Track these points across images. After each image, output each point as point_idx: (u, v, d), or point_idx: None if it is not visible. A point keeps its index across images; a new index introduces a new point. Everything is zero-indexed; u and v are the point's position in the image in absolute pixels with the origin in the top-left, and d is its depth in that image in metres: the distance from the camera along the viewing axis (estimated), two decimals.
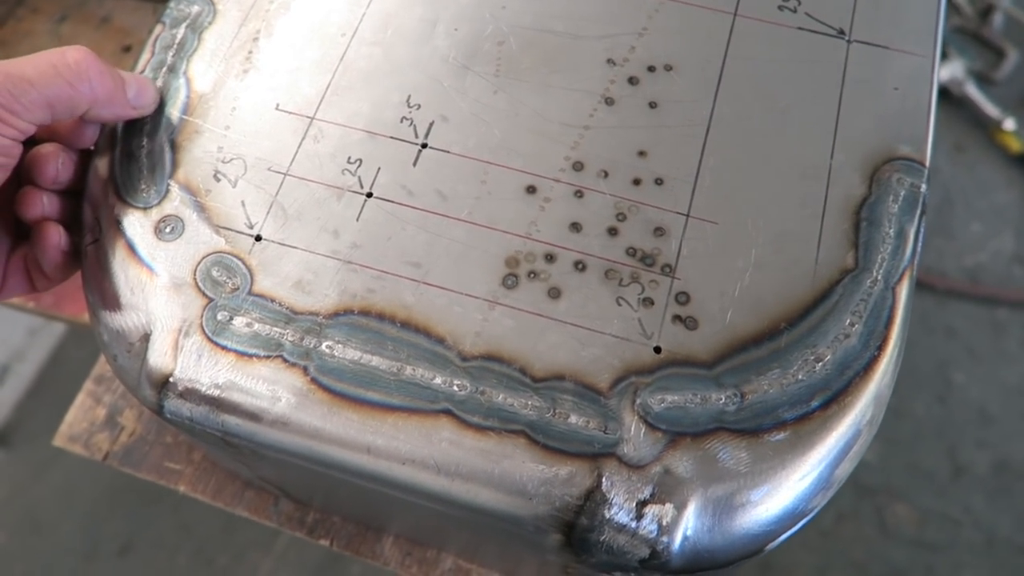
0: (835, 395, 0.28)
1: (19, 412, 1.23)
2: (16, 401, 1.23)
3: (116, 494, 1.20)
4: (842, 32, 0.35)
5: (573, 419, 0.28)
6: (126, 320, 0.31)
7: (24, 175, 0.31)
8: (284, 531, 0.46)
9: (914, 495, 1.25)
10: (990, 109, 1.48)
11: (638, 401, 0.28)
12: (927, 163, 0.32)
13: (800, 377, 0.28)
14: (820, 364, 0.28)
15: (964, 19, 1.60)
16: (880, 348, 0.29)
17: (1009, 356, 1.34)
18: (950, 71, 1.52)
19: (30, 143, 0.30)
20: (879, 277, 0.30)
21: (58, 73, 0.28)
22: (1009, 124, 1.47)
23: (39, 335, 1.27)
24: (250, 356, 0.29)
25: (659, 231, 0.31)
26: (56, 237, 0.31)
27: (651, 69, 0.34)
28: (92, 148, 0.33)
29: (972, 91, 1.51)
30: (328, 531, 0.43)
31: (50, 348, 1.27)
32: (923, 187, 0.31)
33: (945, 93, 1.53)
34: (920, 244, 0.31)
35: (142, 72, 0.35)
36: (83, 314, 0.47)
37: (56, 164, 0.31)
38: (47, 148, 0.31)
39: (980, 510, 1.23)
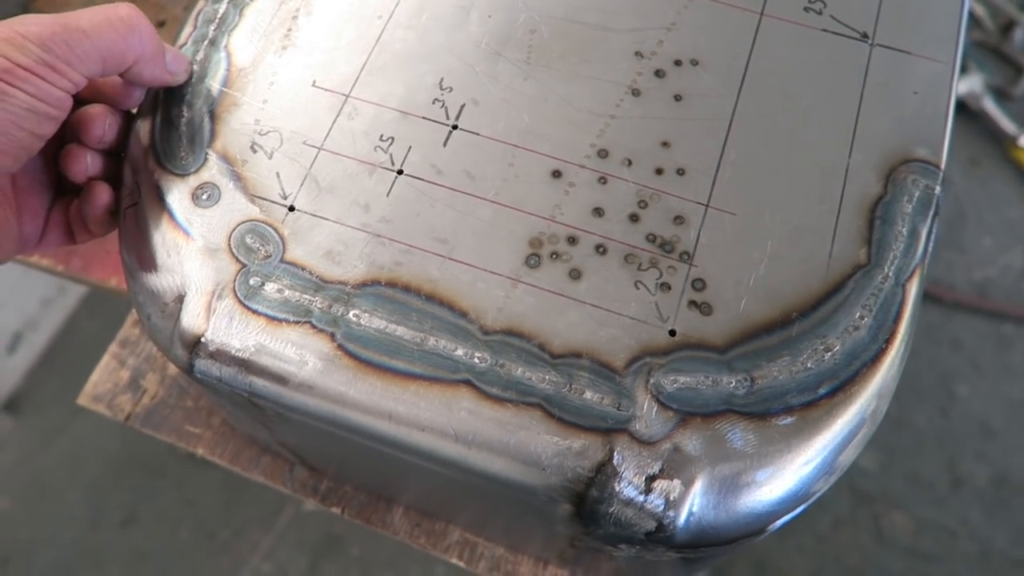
0: (842, 384, 0.29)
1: (30, 380, 1.25)
2: (28, 369, 1.25)
3: (122, 465, 1.22)
4: (865, 35, 0.36)
5: (588, 395, 0.29)
6: (161, 281, 0.32)
7: (70, 133, 0.32)
8: (289, 502, 0.46)
9: (912, 504, 1.25)
10: (1006, 125, 1.49)
11: (652, 381, 0.29)
12: (942, 166, 0.33)
13: (809, 365, 0.29)
14: (829, 354, 0.29)
15: (985, 33, 1.60)
16: (888, 341, 0.30)
17: (1014, 371, 1.34)
18: (968, 85, 1.52)
19: (77, 104, 0.31)
20: (890, 274, 0.31)
21: (111, 25, 0.30)
22: None
23: (52, 305, 1.28)
24: (280, 321, 0.30)
25: (679, 219, 0.32)
26: (106, 196, 0.32)
27: (678, 63, 0.35)
28: (134, 111, 0.34)
29: (989, 106, 1.51)
30: (340, 499, 0.44)
31: (63, 318, 1.29)
32: (937, 189, 0.32)
33: (962, 107, 1.53)
34: (932, 244, 0.32)
35: (183, 45, 0.36)
36: (109, 279, 0.49)
37: (103, 124, 0.32)
38: (95, 108, 0.32)
39: (977, 522, 1.24)
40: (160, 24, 0.58)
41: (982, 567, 1.21)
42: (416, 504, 0.43)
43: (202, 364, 0.31)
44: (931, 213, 0.32)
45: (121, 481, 1.22)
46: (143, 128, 0.34)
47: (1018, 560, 1.21)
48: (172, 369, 0.48)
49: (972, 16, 1.61)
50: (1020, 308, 1.38)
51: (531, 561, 0.43)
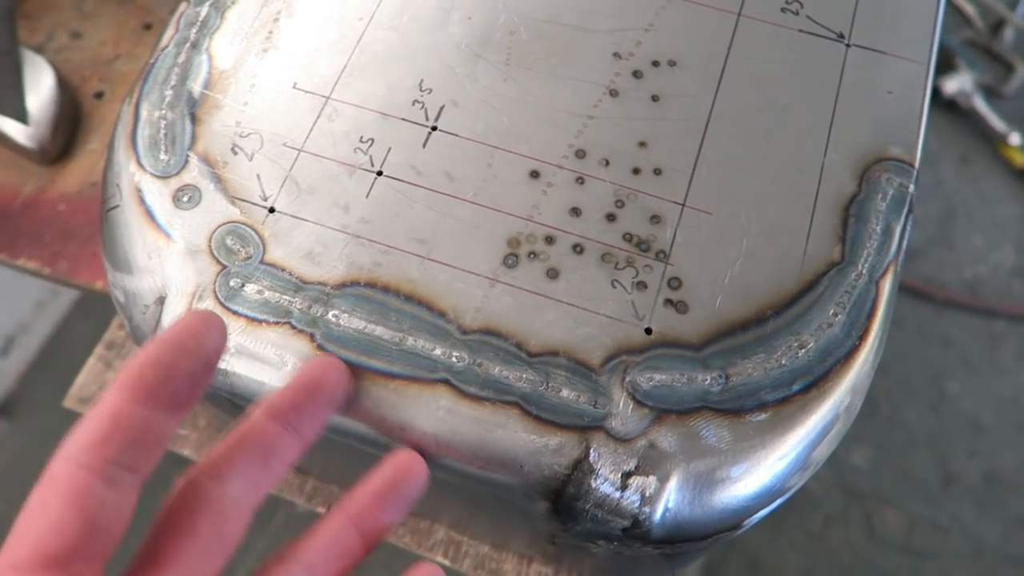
0: (816, 380, 0.29)
1: (23, 383, 1.25)
2: (20, 372, 1.25)
3: None
4: (842, 36, 0.36)
5: (565, 393, 0.29)
6: (142, 283, 0.32)
7: None
8: (281, 504, 0.47)
9: (904, 502, 1.26)
10: (997, 123, 1.49)
11: (627, 378, 0.29)
12: (916, 165, 0.33)
13: (783, 362, 0.30)
14: (803, 351, 0.30)
15: (975, 32, 1.61)
16: (861, 338, 0.30)
17: (1004, 368, 1.35)
18: (959, 83, 1.53)
19: None
20: (864, 271, 0.31)
21: None
22: (1015, 139, 1.48)
23: (45, 308, 1.28)
24: (260, 321, 0.31)
25: (655, 219, 0.32)
26: None
27: (655, 64, 0.35)
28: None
29: (980, 104, 1.52)
30: (326, 499, 0.44)
31: (55, 321, 1.28)
32: (911, 187, 0.33)
33: (953, 105, 1.54)
34: (906, 242, 0.32)
35: (165, 48, 0.36)
36: (96, 281, 0.49)
37: None
38: None
39: (969, 519, 1.25)
40: (147, 27, 0.58)
41: (974, 563, 1.22)
42: None
43: None
44: (905, 211, 0.32)
45: None
46: (123, 131, 0.34)
47: (1010, 556, 1.22)
48: None
49: (962, 15, 1.62)
50: (1011, 306, 1.39)
51: (515, 559, 0.43)
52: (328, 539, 0.26)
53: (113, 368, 0.47)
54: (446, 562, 0.42)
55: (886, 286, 0.31)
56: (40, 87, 0.52)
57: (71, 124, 0.54)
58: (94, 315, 1.29)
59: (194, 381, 0.24)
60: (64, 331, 1.29)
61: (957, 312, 1.40)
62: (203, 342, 0.24)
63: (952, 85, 1.52)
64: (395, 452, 0.28)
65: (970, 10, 1.61)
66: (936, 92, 1.53)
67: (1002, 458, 1.29)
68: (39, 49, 0.57)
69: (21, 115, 0.51)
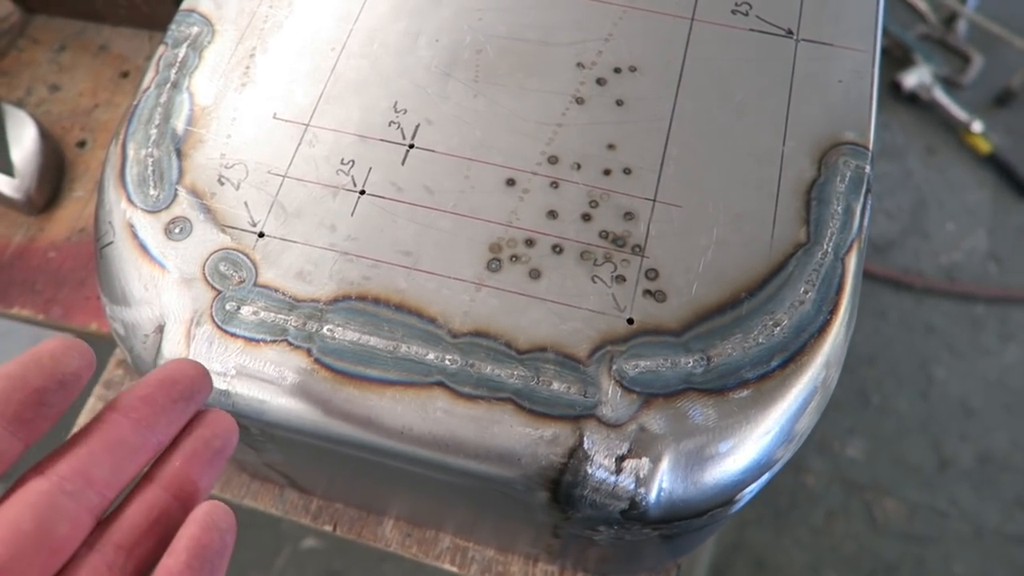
0: (792, 355, 0.31)
1: None
2: None
3: None
4: (790, 32, 0.38)
5: (555, 385, 0.30)
6: (141, 314, 0.33)
7: None
8: (287, 541, 0.47)
9: (901, 490, 1.27)
10: (958, 112, 1.53)
11: (614, 367, 0.31)
12: (871, 147, 0.35)
13: (760, 340, 0.31)
14: (778, 328, 0.31)
15: (930, 27, 1.65)
16: (832, 312, 0.32)
17: (987, 351, 1.38)
18: (918, 77, 1.57)
19: None
20: (829, 249, 0.33)
21: None
22: (977, 126, 1.52)
23: None
24: (257, 341, 0.32)
25: (628, 215, 0.34)
26: None
27: (617, 71, 0.37)
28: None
29: (940, 96, 1.56)
30: (332, 517, 0.45)
31: None
32: (867, 168, 0.35)
33: (914, 98, 1.58)
34: (867, 219, 0.34)
35: (147, 90, 0.38)
36: (91, 323, 0.50)
37: None
38: None
39: (967, 502, 1.26)
40: (124, 75, 0.60)
41: (976, 545, 1.23)
42: (405, 514, 0.45)
43: None
44: (863, 190, 0.34)
45: None
46: (112, 170, 0.35)
47: (1011, 535, 1.23)
48: None
49: (915, 11, 1.67)
50: (988, 288, 1.42)
51: (521, 560, 0.44)
52: (142, 512, 0.23)
53: None
54: (454, 569, 0.43)
55: (851, 262, 0.33)
56: (23, 140, 0.53)
57: (56, 174, 0.55)
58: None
59: (41, 398, 0.22)
60: None
61: (937, 299, 1.42)
62: (61, 360, 0.23)
63: (912, 79, 1.56)
64: (202, 412, 0.26)
65: (923, 6, 1.66)
66: (897, 87, 1.58)
67: (994, 439, 1.31)
68: (19, 104, 0.58)
69: (6, 168, 0.52)
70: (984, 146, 1.51)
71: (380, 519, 0.46)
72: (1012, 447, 1.30)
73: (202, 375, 0.26)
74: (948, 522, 1.25)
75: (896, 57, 1.62)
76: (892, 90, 1.59)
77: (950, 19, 1.65)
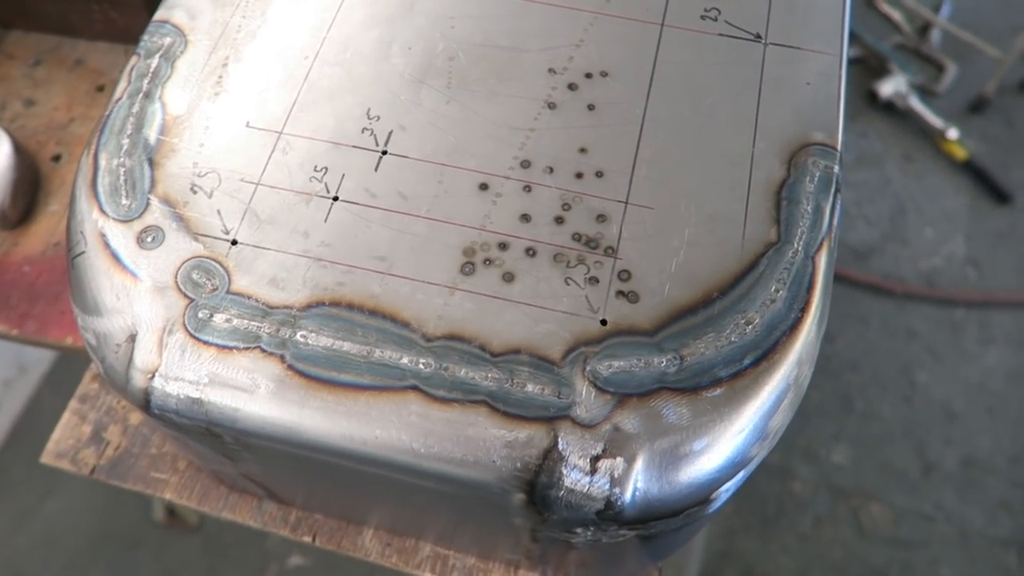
0: (765, 353, 0.31)
1: None
2: None
3: (97, 542, 1.20)
4: (759, 36, 0.39)
5: (530, 387, 0.30)
6: (113, 323, 0.33)
7: None
8: (273, 559, 0.47)
9: (887, 495, 1.28)
10: (934, 120, 1.55)
11: (588, 368, 0.31)
12: (839, 147, 0.36)
13: (733, 339, 0.31)
14: (750, 327, 0.31)
15: (904, 37, 1.68)
16: (803, 311, 0.32)
17: (968, 355, 1.39)
18: (894, 86, 1.59)
19: None
20: (800, 248, 0.33)
21: None
22: (953, 133, 1.54)
23: (13, 386, 1.27)
24: (230, 348, 0.32)
25: (601, 218, 0.34)
26: None
27: (588, 76, 0.38)
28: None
29: (916, 104, 1.58)
30: (311, 528, 0.45)
31: (26, 398, 1.27)
32: (836, 168, 0.35)
33: (891, 107, 1.60)
34: (836, 218, 0.34)
35: (119, 100, 0.38)
36: (66, 338, 0.49)
37: None
38: None
39: (952, 505, 1.27)
40: (100, 89, 0.60)
41: (962, 549, 1.23)
42: (385, 523, 0.44)
43: (158, 399, 0.32)
44: (833, 190, 0.35)
45: (98, 558, 1.20)
46: (84, 179, 0.35)
47: (996, 538, 1.24)
48: (134, 419, 0.48)
49: (890, 21, 1.69)
50: (967, 293, 1.43)
51: (502, 567, 0.44)
52: None
53: (88, 420, 0.47)
54: None
55: (822, 260, 0.33)
56: None
57: (31, 188, 0.55)
58: (65, 389, 1.28)
59: None
60: (34, 408, 1.27)
61: (918, 304, 1.43)
62: None
63: (888, 88, 1.58)
64: None
65: (897, 16, 1.69)
66: (873, 96, 1.60)
67: (977, 442, 1.32)
68: None
69: None
70: (960, 153, 1.53)
71: (360, 529, 0.45)
72: (995, 450, 1.31)
73: None
74: (934, 526, 1.25)
75: (872, 66, 1.64)
76: (869, 99, 1.61)
77: (924, 29, 1.67)
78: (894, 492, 1.28)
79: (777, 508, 1.27)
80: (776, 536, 1.25)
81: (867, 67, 1.65)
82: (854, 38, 1.66)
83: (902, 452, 1.31)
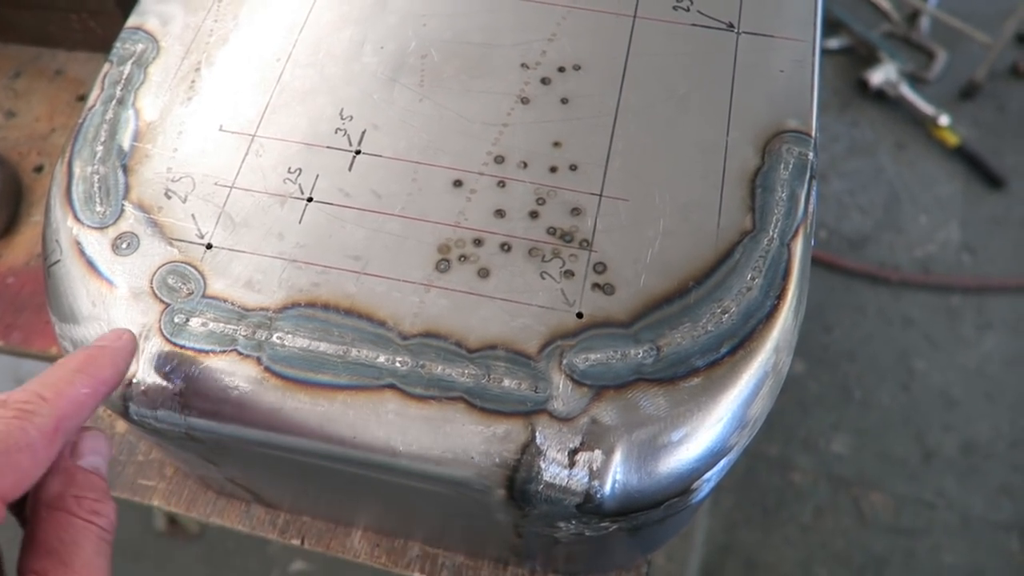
0: (741, 341, 0.31)
1: None
2: None
3: None
4: (731, 25, 0.38)
5: (506, 382, 0.30)
6: (89, 330, 0.33)
7: None
8: (275, 566, 0.46)
9: (888, 483, 1.28)
10: (925, 107, 1.55)
11: (564, 361, 0.31)
12: (813, 134, 0.35)
13: (709, 328, 0.31)
14: (726, 316, 0.31)
15: (893, 25, 1.68)
16: (779, 298, 0.32)
17: (965, 341, 1.39)
18: (884, 74, 1.59)
19: None
20: (775, 236, 0.33)
21: None
22: (944, 120, 1.54)
23: None
24: (207, 352, 0.32)
25: (576, 211, 0.34)
26: None
27: (561, 69, 0.37)
28: None
29: (907, 92, 1.58)
30: (299, 531, 0.45)
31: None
32: (810, 155, 0.35)
33: (881, 95, 1.60)
34: (812, 205, 0.34)
35: (92, 107, 0.38)
36: (51, 348, 0.49)
37: None
38: None
39: (952, 492, 1.27)
40: (80, 98, 0.60)
41: (964, 535, 1.23)
42: (373, 524, 0.44)
43: (136, 405, 0.32)
44: (807, 177, 0.34)
45: None
46: (59, 189, 0.35)
47: (997, 523, 1.24)
48: (120, 426, 0.48)
49: (878, 9, 1.69)
50: (963, 279, 1.43)
51: (491, 565, 0.44)
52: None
53: None
54: None
55: (797, 247, 0.33)
56: None
57: (13, 199, 0.55)
58: None
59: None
60: None
61: (914, 292, 1.43)
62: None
63: (878, 76, 1.58)
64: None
65: (886, 4, 1.69)
66: (864, 85, 1.59)
67: (976, 428, 1.31)
68: None
69: None
70: (952, 139, 1.53)
71: (348, 531, 0.45)
72: (994, 435, 1.31)
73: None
74: (935, 513, 1.25)
75: (862, 55, 1.64)
76: (859, 88, 1.61)
77: (913, 16, 1.67)
78: (894, 480, 1.28)
79: (778, 499, 1.27)
80: (777, 527, 1.25)
81: (857, 56, 1.65)
82: (843, 27, 1.66)
83: (902, 440, 1.31)
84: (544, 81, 0.37)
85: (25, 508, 0.26)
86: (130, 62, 0.39)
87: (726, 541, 1.24)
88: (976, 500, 1.26)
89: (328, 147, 0.36)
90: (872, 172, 1.56)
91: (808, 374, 1.34)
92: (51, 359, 0.49)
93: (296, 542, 0.44)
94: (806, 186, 0.34)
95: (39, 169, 0.57)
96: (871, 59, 1.62)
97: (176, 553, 1.22)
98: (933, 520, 1.25)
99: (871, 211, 1.52)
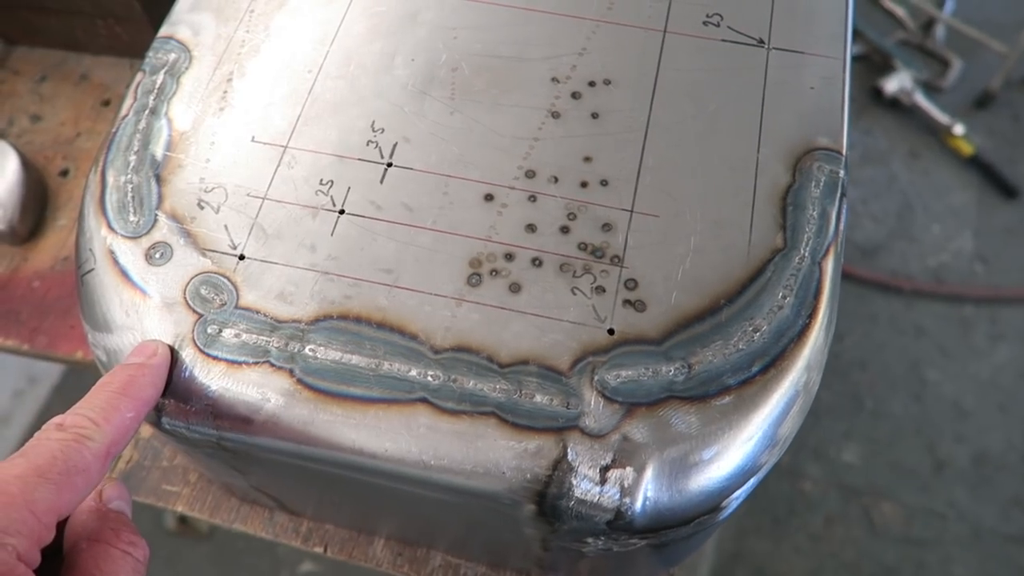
0: (773, 360, 0.31)
1: None
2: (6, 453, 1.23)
3: None
4: (762, 41, 0.39)
5: (538, 398, 0.30)
6: (123, 339, 0.33)
7: None
8: (284, 567, 0.47)
9: (899, 493, 1.27)
10: (939, 116, 1.55)
11: (596, 378, 0.31)
12: (844, 152, 0.35)
13: (741, 347, 0.31)
14: (758, 334, 0.31)
15: (908, 33, 1.67)
16: (811, 317, 0.32)
17: (978, 351, 1.38)
18: (899, 82, 1.59)
19: None
20: (806, 254, 0.33)
21: None
22: (959, 129, 1.53)
23: (24, 397, 1.28)
24: (239, 363, 0.32)
25: (607, 226, 0.34)
26: None
27: (591, 84, 0.38)
28: None
29: (921, 100, 1.57)
30: (322, 539, 0.45)
31: (36, 410, 1.28)
32: (841, 172, 0.35)
33: (896, 103, 1.60)
34: (842, 223, 0.34)
35: (125, 117, 0.38)
36: (76, 352, 0.50)
37: None
38: None
39: (964, 503, 1.26)
40: (105, 103, 0.60)
41: (975, 547, 1.23)
42: (396, 533, 0.44)
43: (169, 415, 0.32)
44: (838, 195, 0.34)
45: None
46: (92, 197, 0.36)
47: (1009, 535, 1.23)
48: (144, 431, 0.48)
49: (893, 17, 1.69)
50: (976, 289, 1.43)
51: (513, 575, 0.44)
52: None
53: None
54: None
55: (829, 266, 0.33)
56: (5, 171, 0.53)
57: (39, 203, 0.55)
58: (75, 398, 1.28)
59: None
60: (45, 419, 1.28)
61: (926, 301, 1.43)
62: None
63: (892, 84, 1.58)
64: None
65: (900, 12, 1.68)
66: (878, 93, 1.59)
67: (988, 439, 1.31)
68: (1, 134, 0.58)
69: None
70: (966, 148, 1.52)
71: (371, 539, 0.45)
72: (1007, 447, 1.30)
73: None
74: (946, 524, 1.25)
75: (876, 63, 1.64)
76: (873, 96, 1.61)
77: (928, 24, 1.67)
78: (905, 490, 1.28)
79: (788, 508, 1.27)
80: (787, 536, 1.25)
81: (871, 64, 1.65)
82: (858, 35, 1.66)
83: (913, 450, 1.31)
84: (575, 96, 0.37)
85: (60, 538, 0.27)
86: (163, 71, 0.39)
87: (736, 549, 1.23)
88: (988, 512, 1.25)
89: (360, 159, 0.36)
90: (885, 180, 1.55)
91: (819, 383, 1.34)
92: (75, 363, 0.49)
93: (319, 550, 0.44)
94: (837, 204, 0.34)
95: (64, 173, 0.57)
96: (885, 67, 1.62)
97: (186, 552, 1.22)
98: (944, 531, 1.25)
99: (884, 220, 1.52)
